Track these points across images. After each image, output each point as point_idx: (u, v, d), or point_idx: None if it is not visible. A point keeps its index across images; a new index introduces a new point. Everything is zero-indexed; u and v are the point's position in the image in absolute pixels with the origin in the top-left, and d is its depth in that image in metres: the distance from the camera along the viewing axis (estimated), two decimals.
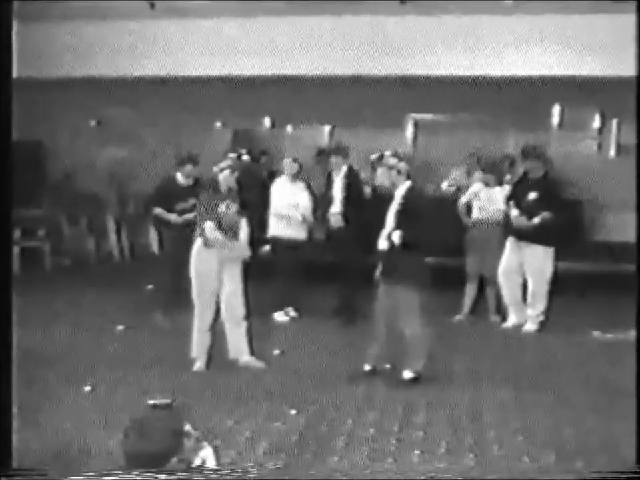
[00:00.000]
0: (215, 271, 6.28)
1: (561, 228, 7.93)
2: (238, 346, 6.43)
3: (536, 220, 7.75)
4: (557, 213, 7.76)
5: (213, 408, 5.32)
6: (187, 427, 3.39)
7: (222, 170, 6.44)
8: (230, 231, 6.34)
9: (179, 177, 8.37)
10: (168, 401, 3.24)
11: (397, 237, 5.99)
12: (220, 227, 6.28)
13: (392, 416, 5.34)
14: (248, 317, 6.46)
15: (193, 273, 6.33)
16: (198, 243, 6.33)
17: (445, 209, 8.81)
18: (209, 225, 6.25)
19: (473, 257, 8.41)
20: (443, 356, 6.65)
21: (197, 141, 11.34)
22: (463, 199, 8.66)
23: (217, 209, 6.29)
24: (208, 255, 6.28)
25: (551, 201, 7.80)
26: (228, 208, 6.34)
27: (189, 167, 8.35)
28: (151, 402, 3.17)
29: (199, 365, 6.34)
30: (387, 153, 6.35)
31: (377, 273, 6.17)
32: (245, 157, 8.50)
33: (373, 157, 8.63)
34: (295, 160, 8.60)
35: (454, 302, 8.52)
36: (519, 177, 8.25)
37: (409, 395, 5.79)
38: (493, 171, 8.46)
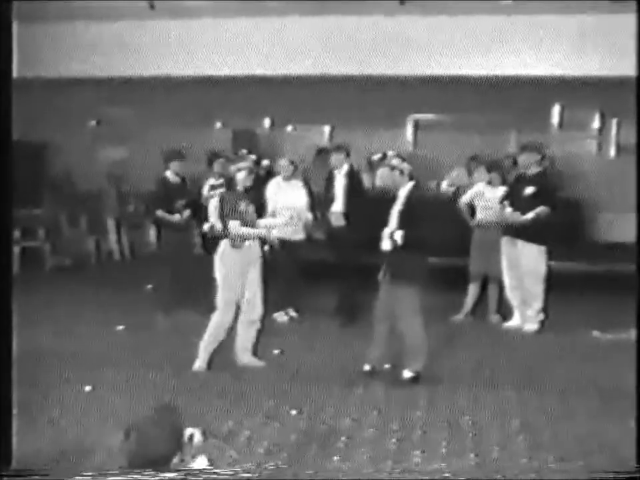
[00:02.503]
0: (241, 272, 6.29)
1: (559, 225, 7.92)
2: (244, 345, 6.43)
3: (530, 215, 7.74)
4: (553, 209, 7.75)
5: (213, 408, 5.32)
6: (194, 433, 3.42)
7: (240, 170, 6.44)
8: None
9: (169, 175, 8.41)
10: (170, 405, 3.26)
11: (399, 236, 5.99)
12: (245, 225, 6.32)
13: (392, 416, 5.34)
14: (263, 317, 6.50)
15: (220, 273, 6.31)
16: (224, 243, 6.31)
17: (447, 208, 8.82)
18: (233, 225, 6.25)
19: (477, 257, 8.40)
20: (443, 356, 6.66)
21: (196, 140, 11.35)
22: (465, 199, 8.65)
23: (238, 208, 6.31)
24: (235, 255, 6.28)
25: (546, 197, 7.79)
26: (247, 207, 6.38)
27: (175, 164, 8.40)
28: (159, 406, 3.19)
29: (199, 365, 6.33)
30: (390, 153, 6.35)
31: (381, 274, 6.18)
32: (265, 163, 8.48)
33: (376, 157, 8.64)
34: (291, 162, 8.60)
35: (455, 302, 8.52)
36: (517, 174, 8.25)
37: (409, 395, 5.79)
38: (498, 170, 8.45)
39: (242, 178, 6.42)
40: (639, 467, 3.73)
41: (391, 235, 6.03)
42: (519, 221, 7.79)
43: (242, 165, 6.51)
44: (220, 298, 6.34)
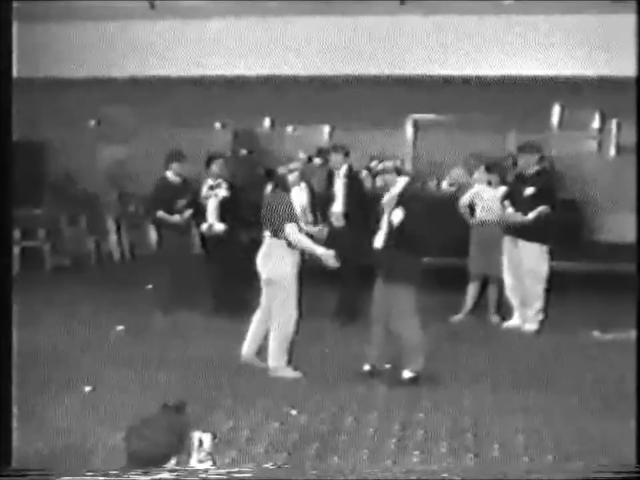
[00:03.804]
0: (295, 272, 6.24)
1: (559, 225, 7.92)
2: (253, 343, 6.40)
3: (531, 215, 7.74)
4: (553, 208, 7.76)
5: (213, 408, 5.32)
6: (202, 438, 3.41)
7: (291, 171, 6.33)
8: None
9: (170, 175, 8.42)
10: (180, 403, 3.25)
11: (397, 216, 5.97)
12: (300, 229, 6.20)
13: (392, 416, 5.34)
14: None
15: (281, 272, 6.15)
16: (279, 244, 6.17)
17: (446, 208, 8.82)
18: (291, 228, 6.10)
19: (477, 257, 8.39)
20: (443, 356, 6.66)
21: (196, 140, 11.35)
22: (465, 199, 8.64)
23: (293, 211, 6.19)
24: (292, 255, 6.19)
25: (546, 196, 7.80)
26: (302, 211, 6.43)
27: (176, 165, 8.40)
28: (165, 404, 3.18)
29: (285, 365, 6.27)
30: (373, 164, 6.35)
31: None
32: (317, 160, 8.36)
33: (364, 173, 8.64)
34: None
35: (454, 302, 8.52)
36: (516, 174, 8.26)
37: (408, 394, 5.79)
38: (497, 171, 8.44)
39: (294, 179, 6.31)
40: (639, 466, 3.73)
41: (390, 216, 6.00)
42: (520, 221, 7.80)
43: (293, 165, 6.40)
44: (285, 296, 6.17)
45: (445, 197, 10.19)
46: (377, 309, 6.21)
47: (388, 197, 6.09)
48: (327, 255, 6.13)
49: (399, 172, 6.15)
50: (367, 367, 6.26)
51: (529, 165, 7.92)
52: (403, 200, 6.05)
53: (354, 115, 12.17)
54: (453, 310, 8.47)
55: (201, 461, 3.29)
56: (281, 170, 6.37)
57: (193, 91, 11.85)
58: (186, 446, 3.05)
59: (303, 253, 6.27)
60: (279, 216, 6.15)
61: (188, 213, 8.37)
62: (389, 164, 6.14)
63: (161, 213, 8.37)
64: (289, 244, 6.16)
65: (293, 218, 6.15)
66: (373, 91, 11.40)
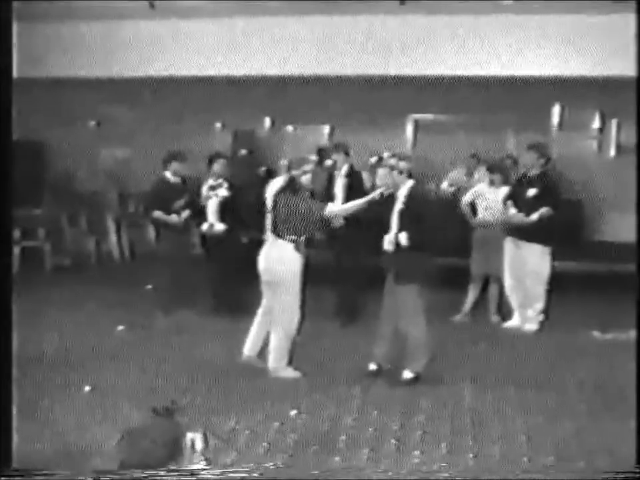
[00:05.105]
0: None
1: (560, 225, 7.92)
2: (254, 344, 6.39)
3: (534, 216, 7.74)
4: (555, 210, 7.76)
5: (213, 408, 5.32)
6: (194, 439, 3.42)
7: (305, 173, 6.32)
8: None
9: (168, 175, 8.41)
10: (169, 406, 3.24)
11: (404, 239, 5.99)
12: None
13: (392, 416, 5.34)
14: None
15: (288, 275, 6.14)
16: (287, 247, 6.15)
17: (447, 207, 8.81)
18: (330, 207, 6.22)
19: (479, 257, 8.38)
20: (443, 355, 6.65)
21: (196, 140, 11.35)
22: (467, 198, 8.63)
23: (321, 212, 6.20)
24: (299, 259, 6.17)
25: (549, 197, 7.80)
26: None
27: (175, 165, 8.40)
28: (154, 408, 3.17)
29: (288, 366, 6.26)
30: (386, 155, 6.34)
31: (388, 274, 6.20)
32: (329, 162, 8.36)
33: (373, 159, 8.64)
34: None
35: (455, 302, 8.51)
36: (519, 175, 8.25)
37: (409, 394, 5.79)
38: (500, 171, 8.43)
39: (307, 181, 6.31)
40: (638, 466, 3.73)
41: (396, 238, 6.02)
42: (523, 222, 7.79)
43: (307, 167, 6.39)
44: (288, 297, 6.16)
45: (446, 197, 10.19)
46: (387, 308, 6.21)
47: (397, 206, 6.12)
48: (375, 194, 6.19)
49: (409, 175, 6.16)
50: (373, 366, 6.25)
51: (532, 165, 7.91)
52: (409, 202, 6.06)
53: (354, 115, 12.18)
54: (454, 310, 8.46)
55: (194, 462, 3.30)
56: (294, 172, 6.35)
57: (193, 91, 11.86)
58: (181, 449, 3.05)
59: (306, 254, 6.28)
60: (295, 217, 6.13)
61: (186, 213, 8.34)
62: (404, 165, 6.15)
63: (157, 213, 8.35)
64: (296, 246, 6.16)
65: (314, 211, 6.15)
66: (373, 91, 11.41)
